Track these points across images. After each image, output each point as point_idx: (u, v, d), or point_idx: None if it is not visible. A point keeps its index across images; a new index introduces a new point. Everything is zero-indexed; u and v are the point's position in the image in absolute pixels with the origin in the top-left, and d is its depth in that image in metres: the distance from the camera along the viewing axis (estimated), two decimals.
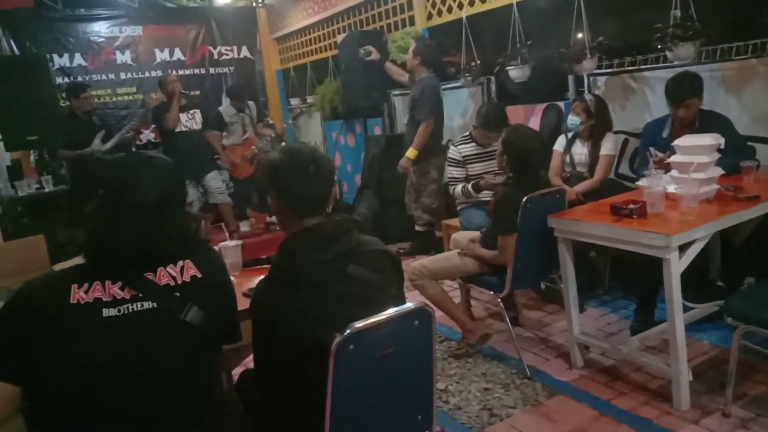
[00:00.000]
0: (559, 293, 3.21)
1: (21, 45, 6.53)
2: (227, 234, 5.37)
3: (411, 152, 4.62)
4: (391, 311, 1.48)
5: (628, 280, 3.68)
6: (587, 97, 3.72)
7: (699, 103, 3.11)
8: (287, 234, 1.60)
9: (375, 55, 5.07)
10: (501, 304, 3.04)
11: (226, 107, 5.99)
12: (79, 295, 1.32)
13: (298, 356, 1.43)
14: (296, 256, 1.51)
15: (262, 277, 1.59)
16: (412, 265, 3.17)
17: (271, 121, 6.64)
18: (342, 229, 1.56)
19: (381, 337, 1.46)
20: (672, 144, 2.84)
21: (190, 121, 5.56)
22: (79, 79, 6.72)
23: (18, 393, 1.32)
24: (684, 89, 3.07)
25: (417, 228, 5.06)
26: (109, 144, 5.52)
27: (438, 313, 2.89)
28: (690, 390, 2.47)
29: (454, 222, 4.22)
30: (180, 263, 1.44)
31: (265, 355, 1.55)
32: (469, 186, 3.84)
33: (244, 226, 6.15)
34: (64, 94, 6.37)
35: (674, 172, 2.78)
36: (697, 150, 2.69)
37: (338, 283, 1.50)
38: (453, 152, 4.00)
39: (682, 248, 2.39)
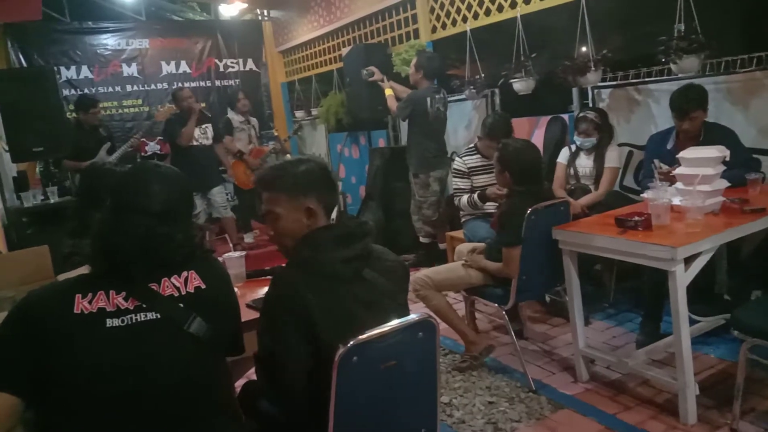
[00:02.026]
0: (564, 306, 3.19)
1: (29, 57, 6.61)
2: (231, 245, 5.39)
3: (388, 90, 4.99)
4: (395, 322, 1.47)
5: (634, 293, 3.66)
6: (591, 115, 3.70)
7: (704, 116, 3.11)
8: (297, 240, 1.58)
9: (378, 76, 5.08)
10: (505, 316, 3.02)
11: (233, 114, 6.09)
12: (83, 305, 1.32)
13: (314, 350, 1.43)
14: (321, 248, 1.52)
15: (266, 288, 1.56)
16: (416, 275, 3.15)
17: (275, 133, 6.70)
18: (363, 230, 1.60)
19: (385, 348, 1.45)
20: (677, 156, 2.84)
21: (203, 136, 5.62)
22: (86, 91, 6.79)
23: (19, 404, 1.31)
24: (689, 101, 3.08)
25: (421, 240, 5.06)
26: (115, 156, 5.56)
27: (442, 326, 2.89)
28: (697, 404, 2.45)
29: (459, 234, 4.21)
30: (184, 274, 1.44)
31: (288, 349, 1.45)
32: (475, 196, 3.83)
33: (249, 238, 6.16)
34: (71, 106, 6.44)
35: (679, 185, 2.77)
36: (702, 162, 2.68)
37: (356, 282, 1.52)
38: (458, 163, 4.00)
39: (688, 261, 2.37)
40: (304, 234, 1.56)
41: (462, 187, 3.98)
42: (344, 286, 1.50)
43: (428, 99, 4.60)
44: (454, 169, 4.03)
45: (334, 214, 1.68)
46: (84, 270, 1.42)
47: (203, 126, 5.64)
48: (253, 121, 6.35)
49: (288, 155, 6.28)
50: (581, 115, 3.76)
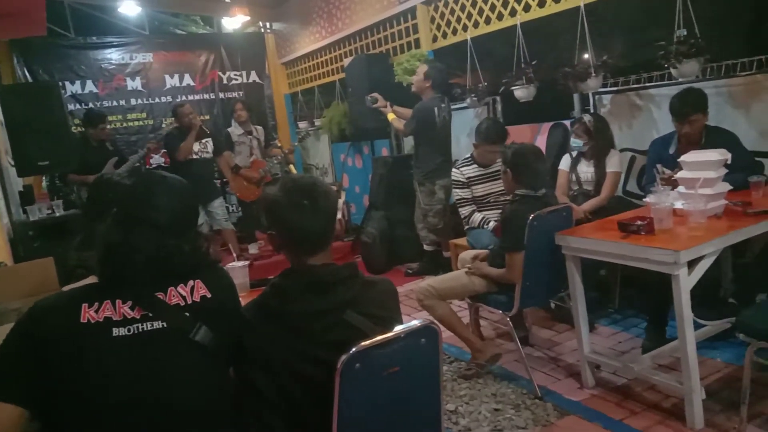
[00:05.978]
0: (569, 312, 3.19)
1: (34, 72, 6.67)
2: (234, 256, 5.40)
3: (390, 115, 5.03)
4: (398, 329, 1.47)
5: (639, 298, 3.65)
6: (585, 118, 3.73)
7: (704, 119, 3.12)
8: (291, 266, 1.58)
9: (381, 103, 5.09)
10: (510, 323, 3.02)
11: (234, 128, 6.12)
12: (89, 314, 1.32)
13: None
14: (290, 299, 1.49)
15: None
16: (420, 285, 3.16)
17: (279, 144, 6.73)
18: (342, 276, 1.52)
19: (387, 355, 1.45)
20: (678, 160, 2.84)
21: (203, 150, 5.66)
22: (91, 105, 6.85)
23: (23, 415, 1.31)
24: (688, 105, 3.09)
25: (425, 247, 5.06)
26: (123, 169, 5.59)
27: (447, 333, 2.88)
28: (704, 409, 2.43)
29: (463, 241, 4.22)
30: (191, 283, 1.44)
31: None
32: (491, 225, 3.83)
33: (253, 249, 6.17)
34: (77, 120, 6.49)
35: (681, 188, 2.78)
36: (703, 165, 2.68)
37: (326, 332, 1.46)
38: (456, 174, 4.01)
39: (691, 264, 2.37)
40: (283, 271, 1.55)
41: (464, 196, 3.99)
42: (309, 337, 1.45)
43: (435, 109, 4.62)
44: (454, 180, 4.05)
45: None
46: (91, 280, 1.43)
47: (203, 140, 5.67)
48: (258, 131, 6.36)
49: (291, 165, 6.32)
50: (578, 117, 3.80)
